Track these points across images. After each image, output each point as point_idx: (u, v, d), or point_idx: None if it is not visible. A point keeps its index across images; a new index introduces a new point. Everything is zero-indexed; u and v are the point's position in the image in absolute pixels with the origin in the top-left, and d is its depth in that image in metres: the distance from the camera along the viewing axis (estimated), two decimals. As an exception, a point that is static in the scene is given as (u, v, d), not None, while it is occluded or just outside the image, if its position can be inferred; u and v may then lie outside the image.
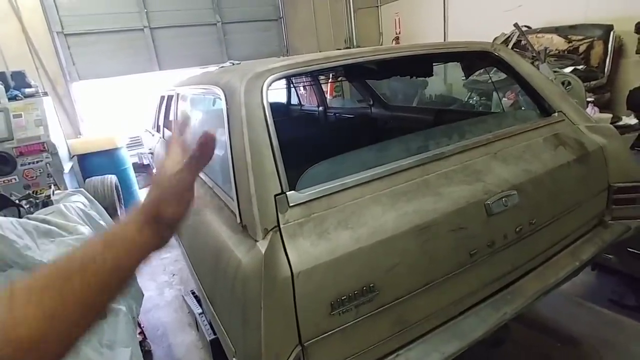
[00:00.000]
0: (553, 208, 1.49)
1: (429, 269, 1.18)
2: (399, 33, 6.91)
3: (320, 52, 6.56)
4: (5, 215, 1.98)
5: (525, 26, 4.32)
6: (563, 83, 3.00)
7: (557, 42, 4.19)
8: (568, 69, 3.69)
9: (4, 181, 3.43)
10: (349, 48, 6.82)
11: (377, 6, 7.28)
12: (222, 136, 1.31)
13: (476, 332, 1.25)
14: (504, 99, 3.79)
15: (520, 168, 1.43)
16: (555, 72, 3.08)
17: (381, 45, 7.29)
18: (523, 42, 3.90)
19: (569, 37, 4.13)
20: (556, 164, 1.51)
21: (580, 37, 4.04)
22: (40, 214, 1.80)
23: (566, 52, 4.10)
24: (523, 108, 3.34)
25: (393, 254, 1.10)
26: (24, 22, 4.88)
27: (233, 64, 2.45)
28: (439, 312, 1.24)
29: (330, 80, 5.09)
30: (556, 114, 1.72)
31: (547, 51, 3.66)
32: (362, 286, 1.04)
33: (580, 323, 2.12)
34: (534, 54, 3.30)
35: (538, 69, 2.67)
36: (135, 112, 5.73)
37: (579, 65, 3.90)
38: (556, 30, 4.23)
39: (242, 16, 6.40)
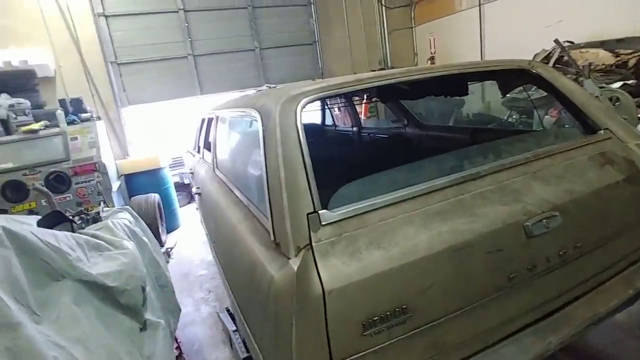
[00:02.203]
0: (601, 231, 1.41)
1: (464, 291, 1.14)
2: (434, 53, 6.90)
3: (354, 73, 6.67)
4: (60, 230, 2.13)
5: (568, 41, 4.19)
6: (611, 99, 2.86)
7: (604, 57, 4.00)
8: (617, 84, 3.51)
9: (59, 199, 3.70)
10: (383, 69, 6.88)
11: (412, 27, 7.33)
12: (257, 156, 1.36)
13: (518, 362, 1.18)
14: (546, 116, 3.65)
15: (562, 188, 1.37)
16: (601, 87, 2.95)
17: (416, 65, 7.30)
18: (565, 58, 3.77)
19: (617, 51, 3.94)
20: (603, 183, 1.43)
21: (629, 51, 3.84)
22: (91, 229, 1.93)
23: (614, 66, 3.91)
24: (567, 126, 3.20)
25: (426, 275, 1.07)
26: (83, 54, 5.36)
27: (269, 87, 2.55)
28: (477, 338, 1.19)
29: (364, 102, 5.14)
30: (602, 131, 1.64)
31: (593, 66, 3.51)
32: (395, 307, 1.02)
33: None
34: (578, 70, 3.17)
35: (582, 85, 2.56)
36: (177, 134, 6.06)
37: (629, 79, 3.69)
38: (602, 44, 4.06)
39: (279, 41, 6.67)
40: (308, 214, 1.07)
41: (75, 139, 4.00)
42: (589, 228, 1.37)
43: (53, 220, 2.15)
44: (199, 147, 3.59)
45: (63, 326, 0.99)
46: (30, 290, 0.96)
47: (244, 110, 1.73)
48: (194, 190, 3.00)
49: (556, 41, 3.44)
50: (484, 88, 5.36)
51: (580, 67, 3.17)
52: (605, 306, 1.36)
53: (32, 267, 1.04)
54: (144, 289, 1.45)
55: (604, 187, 1.42)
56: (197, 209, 4.74)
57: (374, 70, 6.31)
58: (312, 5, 6.81)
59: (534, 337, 1.25)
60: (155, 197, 4.38)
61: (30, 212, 3.64)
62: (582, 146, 1.56)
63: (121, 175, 4.74)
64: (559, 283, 1.32)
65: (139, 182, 4.74)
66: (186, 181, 5.85)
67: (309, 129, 1.28)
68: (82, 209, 2.78)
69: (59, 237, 1.21)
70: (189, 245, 4.48)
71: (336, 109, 5.19)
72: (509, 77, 1.98)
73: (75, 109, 4.43)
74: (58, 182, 3.78)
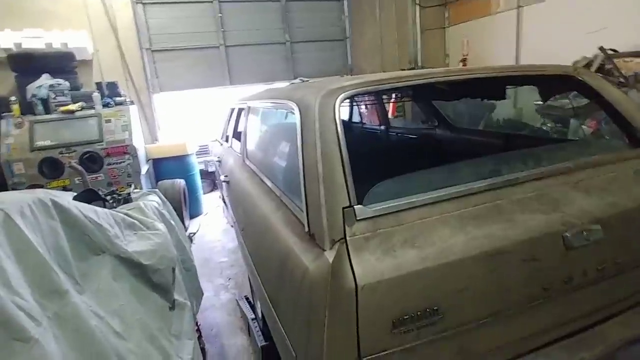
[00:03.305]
0: (644, 248, 1.35)
1: (497, 298, 1.11)
2: (467, 55, 6.74)
3: (384, 72, 6.60)
4: (93, 208, 2.20)
5: (611, 49, 4.02)
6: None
7: (649, 68, 3.82)
8: (662, 97, 3.34)
9: (92, 178, 3.83)
10: (414, 69, 6.78)
11: (445, 27, 7.19)
12: (293, 148, 1.37)
13: (546, 375, 1.15)
14: (583, 127, 3.52)
15: (605, 201, 1.32)
16: (646, 99, 2.82)
17: (447, 66, 7.17)
18: (608, 67, 3.62)
19: (664, 62, 3.75)
20: (649, 199, 1.37)
21: (678, 63, 3.65)
22: (123, 209, 1.99)
23: (660, 78, 3.72)
24: (607, 137, 3.08)
25: (459, 278, 1.06)
26: (120, 39, 5.51)
27: (302, 81, 2.56)
28: (506, 347, 1.17)
29: (393, 100, 5.08)
30: (650, 144, 1.57)
31: (639, 77, 3.35)
32: (426, 308, 1.01)
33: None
34: (621, 80, 3.04)
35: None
36: (205, 123, 6.16)
37: (676, 93, 3.51)
38: (648, 54, 3.87)
39: (310, 36, 6.67)
40: (344, 208, 1.07)
41: (109, 121, 4.12)
42: (632, 244, 1.31)
43: (87, 197, 2.22)
44: (227, 137, 3.64)
45: (102, 298, 1.02)
46: (74, 261, 1.01)
47: (280, 101, 1.73)
48: (221, 178, 3.04)
49: (601, 48, 3.30)
50: (516, 94, 5.21)
51: (625, 77, 3.03)
52: (642, 326, 1.31)
53: (75, 240, 1.08)
54: (173, 270, 1.49)
55: (650, 202, 1.36)
56: (220, 197, 4.83)
57: (404, 70, 6.23)
58: (346, 0, 6.77)
59: (565, 352, 1.22)
60: (181, 182, 4.48)
61: (64, 188, 3.78)
62: (628, 159, 1.50)
63: (149, 159, 4.87)
64: (595, 299, 1.28)
65: (166, 167, 4.85)
66: (210, 169, 5.96)
67: (343, 124, 1.28)
68: (114, 189, 2.87)
69: (99, 213, 1.26)
70: (211, 231, 4.57)
71: (363, 107, 5.16)
72: (552, 83, 1.92)
73: (110, 93, 4.57)
74: (91, 161, 3.91)
